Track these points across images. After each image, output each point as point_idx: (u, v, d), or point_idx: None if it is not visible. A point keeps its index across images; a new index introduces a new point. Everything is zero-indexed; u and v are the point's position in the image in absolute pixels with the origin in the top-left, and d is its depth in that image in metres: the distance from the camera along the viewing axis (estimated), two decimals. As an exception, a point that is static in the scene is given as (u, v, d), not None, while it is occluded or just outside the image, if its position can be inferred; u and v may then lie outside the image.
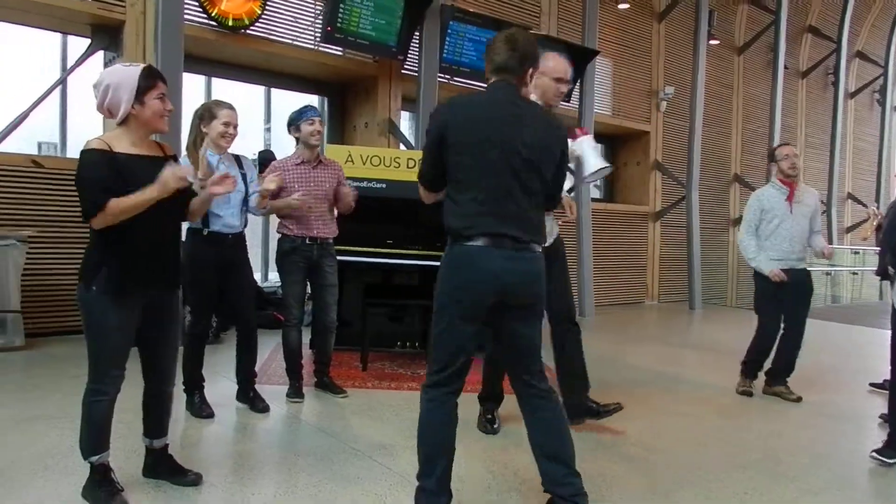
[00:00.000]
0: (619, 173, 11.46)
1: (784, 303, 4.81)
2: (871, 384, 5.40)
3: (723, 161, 12.28)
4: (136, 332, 2.55)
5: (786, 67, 12.12)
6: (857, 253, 13.67)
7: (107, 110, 2.50)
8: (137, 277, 2.49)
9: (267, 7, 6.72)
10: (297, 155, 4.23)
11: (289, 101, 7.71)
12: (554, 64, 3.27)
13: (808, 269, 4.90)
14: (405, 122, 8.32)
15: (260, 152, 7.64)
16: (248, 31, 6.65)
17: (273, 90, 7.96)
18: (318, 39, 7.09)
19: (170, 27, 5.73)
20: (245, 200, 3.83)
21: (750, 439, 3.80)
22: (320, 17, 7.03)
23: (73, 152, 6.24)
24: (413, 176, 5.76)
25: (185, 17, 6.02)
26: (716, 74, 11.79)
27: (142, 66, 2.52)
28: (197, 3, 6.25)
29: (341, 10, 6.75)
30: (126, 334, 2.51)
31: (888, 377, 5.27)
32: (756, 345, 4.97)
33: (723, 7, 11.67)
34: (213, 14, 6.32)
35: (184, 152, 3.74)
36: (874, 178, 15.05)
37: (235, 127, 3.73)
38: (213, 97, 7.16)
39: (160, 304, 2.61)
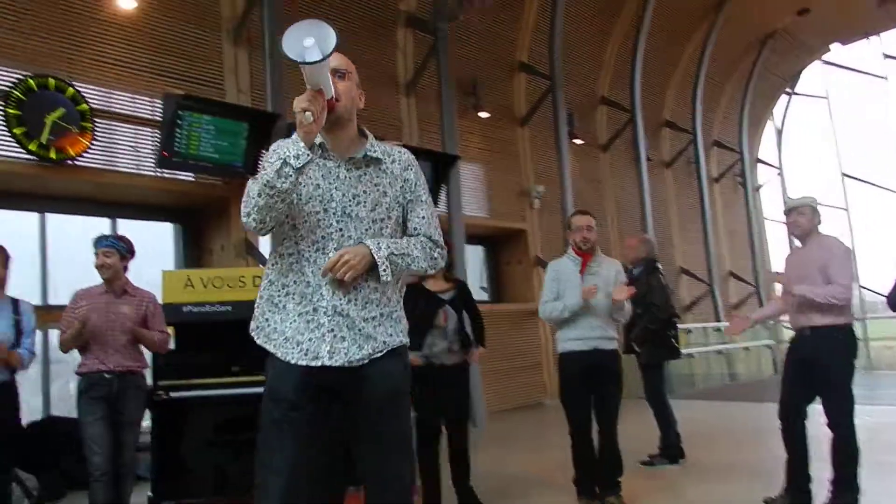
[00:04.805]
0: (502, 273, 11.47)
1: (591, 391, 4.15)
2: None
3: (602, 249, 12.49)
4: None
5: (649, 159, 12.75)
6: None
7: None
8: None
9: (97, 138, 6.39)
10: (102, 283, 3.99)
11: (138, 230, 7.26)
12: None
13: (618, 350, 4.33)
14: (265, 242, 8.00)
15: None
16: (77, 163, 6.27)
17: (119, 220, 7.51)
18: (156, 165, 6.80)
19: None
20: (14, 347, 3.41)
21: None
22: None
23: None
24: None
25: (-2, 152, 5.63)
26: (585, 170, 12.20)
27: None
28: (12, 138, 5.82)
29: (178, 136, 6.53)
30: None
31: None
32: (574, 451, 4.18)
33: (582, 109, 12.24)
34: (31, 149, 5.90)
35: None
36: (750, 255, 15.77)
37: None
38: (49, 233, 6.73)
39: None
